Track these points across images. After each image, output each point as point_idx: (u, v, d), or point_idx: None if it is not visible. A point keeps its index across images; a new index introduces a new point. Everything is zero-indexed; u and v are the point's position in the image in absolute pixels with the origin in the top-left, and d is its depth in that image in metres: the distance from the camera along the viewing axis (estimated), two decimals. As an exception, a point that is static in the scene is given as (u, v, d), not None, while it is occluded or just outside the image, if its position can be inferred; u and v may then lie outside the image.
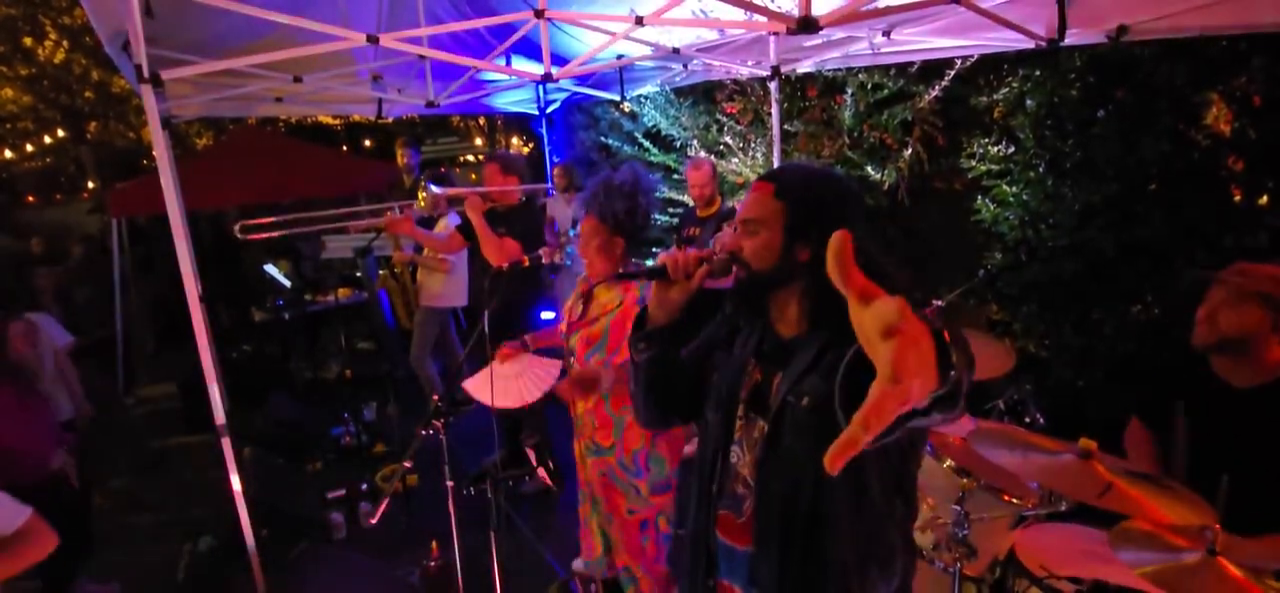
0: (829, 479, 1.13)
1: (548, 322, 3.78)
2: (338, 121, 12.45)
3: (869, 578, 1.21)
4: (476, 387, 2.58)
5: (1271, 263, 1.81)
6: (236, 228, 3.45)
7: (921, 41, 3.36)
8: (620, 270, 2.24)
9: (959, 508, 2.04)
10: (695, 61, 4.25)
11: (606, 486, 2.36)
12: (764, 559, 1.25)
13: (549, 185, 5.57)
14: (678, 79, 4.83)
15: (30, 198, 13.04)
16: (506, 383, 2.55)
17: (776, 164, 4.15)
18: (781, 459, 1.22)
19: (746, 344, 1.35)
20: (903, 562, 1.25)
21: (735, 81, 4.76)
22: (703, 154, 4.96)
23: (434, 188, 3.33)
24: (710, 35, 3.83)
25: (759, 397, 1.30)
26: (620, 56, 4.00)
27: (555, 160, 6.08)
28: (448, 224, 4.31)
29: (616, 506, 2.37)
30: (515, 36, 3.50)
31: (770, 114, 4.19)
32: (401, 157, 5.43)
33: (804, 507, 1.20)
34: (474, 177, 12.56)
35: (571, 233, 3.68)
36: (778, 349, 1.29)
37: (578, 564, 2.91)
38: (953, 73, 3.80)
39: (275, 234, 3.45)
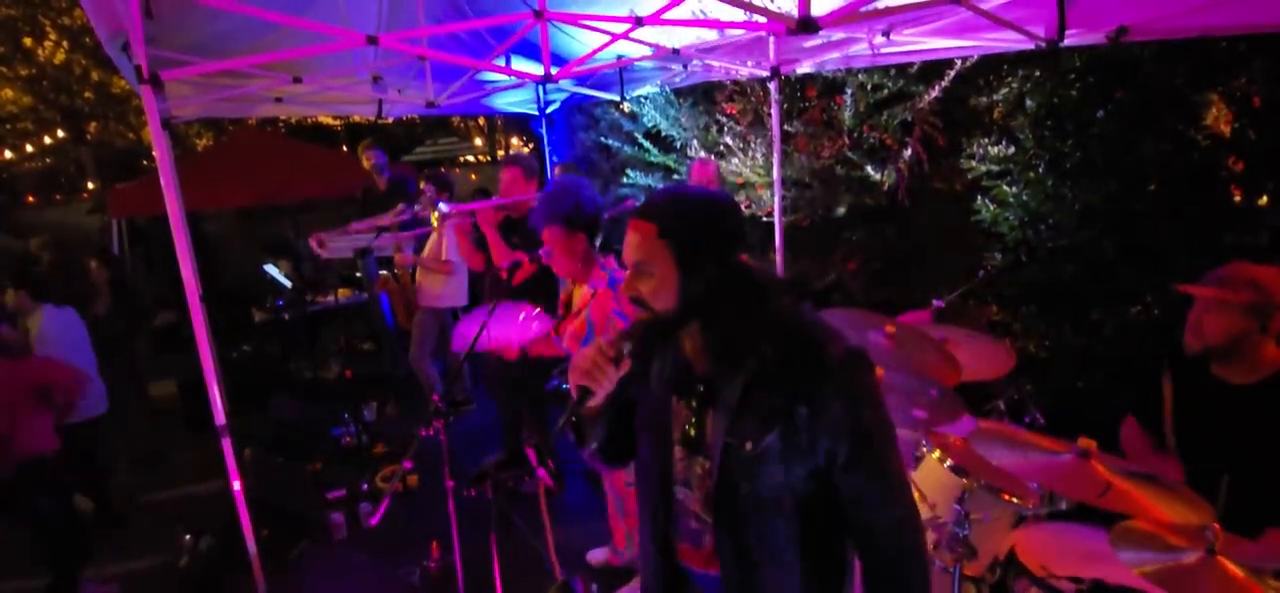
0: (784, 510, 1.20)
1: None
2: (338, 122, 12.47)
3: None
4: (469, 327, 2.67)
5: (1271, 263, 1.81)
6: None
7: (921, 42, 3.36)
8: (591, 263, 2.43)
9: (959, 508, 2.04)
10: (695, 62, 4.25)
11: None
12: (734, 581, 1.26)
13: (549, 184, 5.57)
14: (678, 79, 4.83)
15: (30, 198, 13.04)
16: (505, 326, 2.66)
17: (777, 164, 4.15)
18: (739, 500, 1.21)
19: (661, 374, 1.33)
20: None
21: (735, 82, 4.76)
22: (705, 155, 4.97)
23: (443, 207, 3.32)
24: (710, 36, 3.83)
25: (694, 435, 1.28)
26: (620, 57, 4.00)
27: (555, 160, 6.08)
28: (449, 237, 4.31)
29: (618, 479, 2.60)
30: (515, 37, 3.50)
31: (770, 114, 4.19)
32: (366, 159, 5.42)
33: (767, 538, 1.22)
34: (474, 177, 12.58)
35: None
36: (696, 383, 1.27)
37: (596, 554, 3.03)
38: (953, 73, 3.80)
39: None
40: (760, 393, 1.18)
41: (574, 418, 1.29)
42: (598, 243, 2.49)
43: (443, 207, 3.26)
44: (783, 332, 1.19)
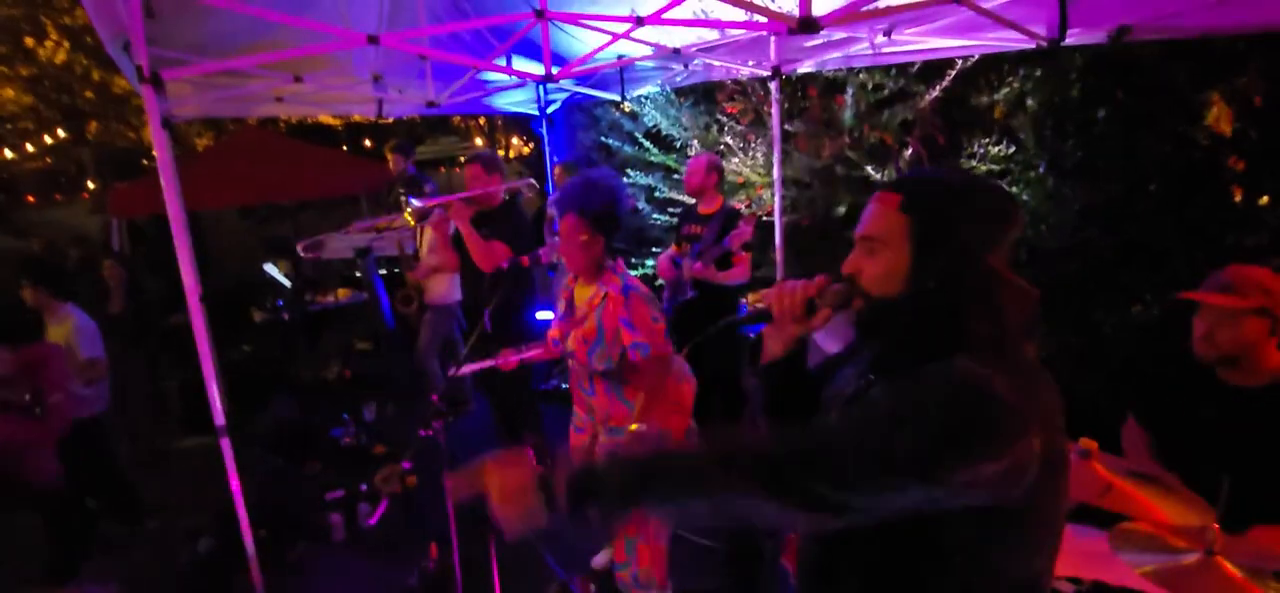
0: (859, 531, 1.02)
1: (544, 323, 3.78)
2: (338, 121, 12.48)
3: None
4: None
5: (1270, 261, 1.81)
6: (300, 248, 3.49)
7: (922, 41, 3.36)
8: (602, 266, 2.33)
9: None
10: (695, 61, 4.24)
11: None
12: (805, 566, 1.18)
13: (550, 184, 5.57)
14: (678, 79, 4.83)
15: (30, 198, 13.05)
16: None
17: (777, 164, 4.15)
18: None
19: (857, 364, 1.20)
20: None
21: (736, 82, 4.76)
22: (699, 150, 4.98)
23: (415, 202, 3.32)
24: (710, 35, 3.83)
25: None
26: (620, 57, 4.00)
27: (556, 160, 6.08)
28: (433, 233, 4.32)
29: None
30: (516, 36, 3.50)
31: (770, 114, 4.19)
32: (394, 164, 5.45)
33: (833, 547, 1.10)
34: (474, 177, 12.59)
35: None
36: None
37: (600, 558, 3.00)
38: (953, 73, 3.80)
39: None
40: (878, 386, 1.07)
41: (741, 331, 1.23)
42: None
43: (414, 202, 3.27)
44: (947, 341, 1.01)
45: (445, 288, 4.71)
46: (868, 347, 1.18)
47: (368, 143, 12.99)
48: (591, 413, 2.49)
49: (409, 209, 3.30)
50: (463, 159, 13.20)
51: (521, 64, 4.41)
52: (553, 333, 2.52)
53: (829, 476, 0.95)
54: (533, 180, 4.37)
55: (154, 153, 2.52)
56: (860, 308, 1.08)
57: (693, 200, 4.01)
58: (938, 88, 3.90)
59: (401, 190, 3.39)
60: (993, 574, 1.03)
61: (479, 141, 13.48)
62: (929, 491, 0.93)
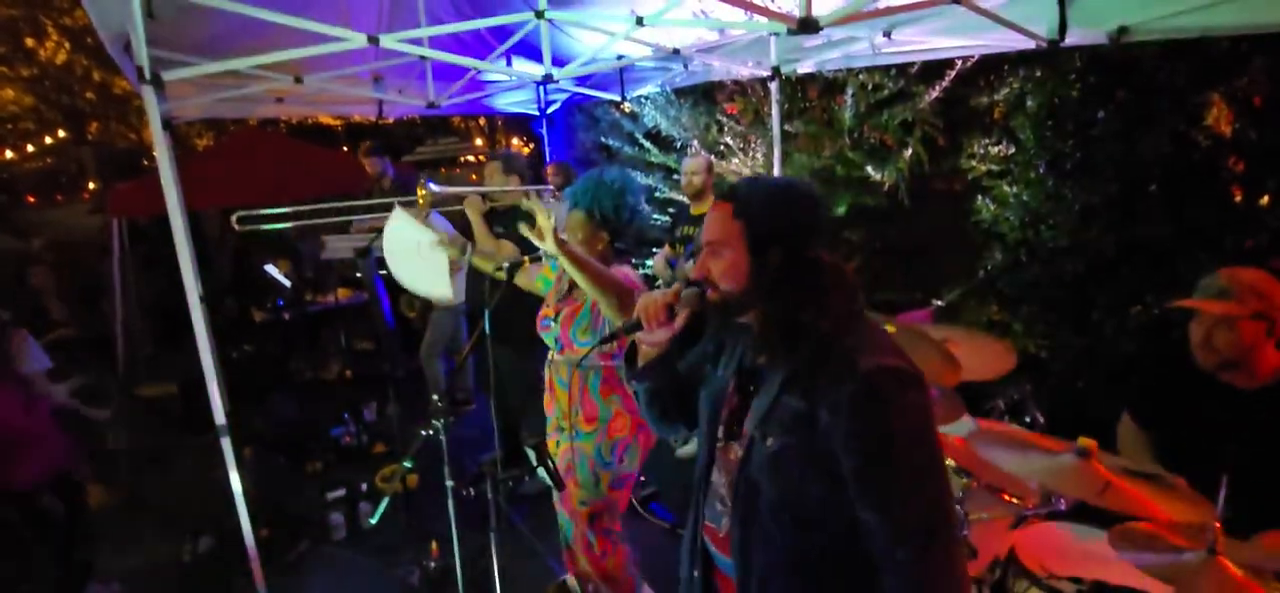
0: (794, 516, 1.19)
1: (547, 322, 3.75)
2: (338, 122, 12.47)
3: None
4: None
5: (1270, 261, 1.81)
6: (233, 219, 3.46)
7: (922, 42, 3.36)
8: (607, 262, 2.32)
9: (959, 508, 2.04)
10: (695, 62, 4.24)
11: (567, 473, 2.39)
12: (741, 570, 1.28)
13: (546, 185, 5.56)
14: (678, 79, 4.83)
15: (31, 198, 13.05)
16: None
17: (777, 164, 4.15)
18: (756, 496, 1.23)
19: (729, 363, 1.36)
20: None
21: (735, 82, 4.76)
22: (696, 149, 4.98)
23: (433, 186, 3.31)
24: (710, 35, 3.83)
25: (735, 422, 1.31)
26: (620, 57, 4.00)
27: (549, 161, 6.07)
28: (434, 225, 4.31)
29: (567, 495, 2.43)
30: (516, 37, 3.50)
31: (770, 114, 4.19)
32: (370, 165, 5.44)
33: (775, 537, 1.22)
34: (474, 177, 12.57)
35: (560, 234, 3.70)
36: (753, 373, 1.30)
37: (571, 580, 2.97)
38: (953, 73, 3.80)
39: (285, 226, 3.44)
40: (792, 393, 1.18)
41: (622, 336, 1.38)
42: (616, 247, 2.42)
43: (431, 186, 3.25)
44: (828, 334, 1.18)
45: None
46: (732, 342, 1.36)
47: (368, 143, 12.98)
48: (560, 411, 2.46)
49: (424, 191, 3.28)
50: (464, 160, 13.19)
51: (521, 64, 4.41)
52: (545, 312, 2.50)
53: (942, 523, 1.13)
54: (551, 186, 4.36)
55: (154, 153, 2.52)
56: (714, 301, 1.25)
57: (688, 201, 4.02)
58: (938, 88, 3.90)
59: (424, 178, 3.35)
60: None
61: (479, 142, 13.47)
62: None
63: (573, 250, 2.12)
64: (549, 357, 2.54)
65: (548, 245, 2.06)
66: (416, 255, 2.57)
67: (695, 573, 1.42)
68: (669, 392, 1.44)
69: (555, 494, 2.50)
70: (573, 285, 2.41)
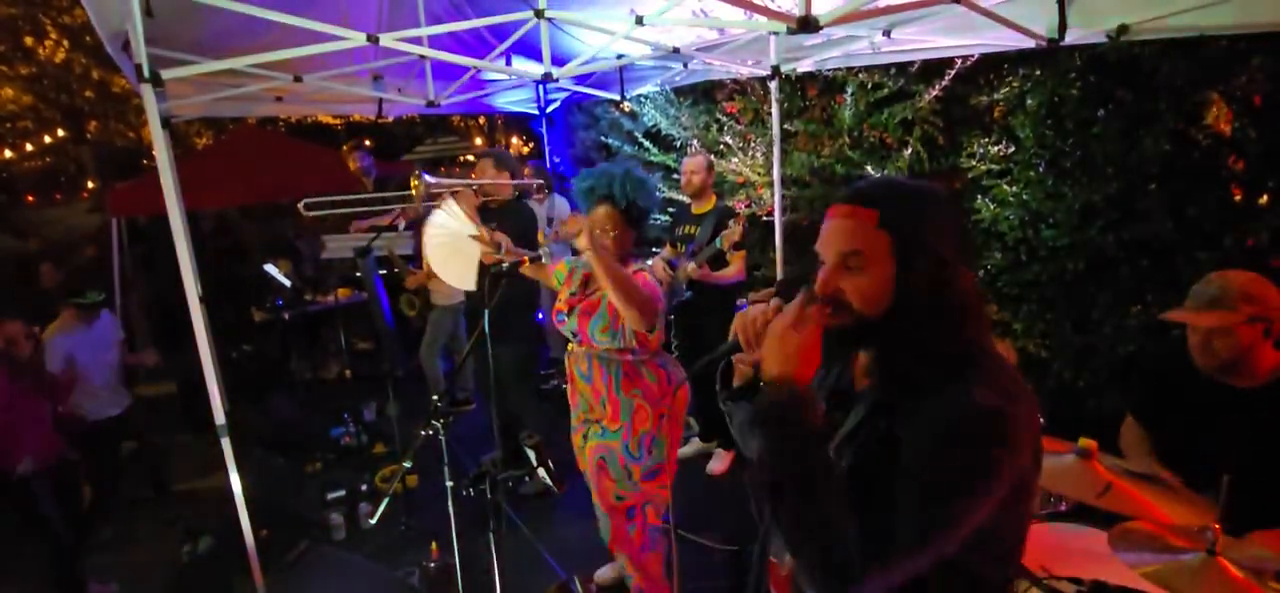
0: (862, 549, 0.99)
1: (545, 322, 3.75)
2: (338, 121, 12.45)
3: None
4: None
5: (1270, 261, 1.81)
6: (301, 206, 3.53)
7: (922, 41, 3.36)
8: (629, 258, 2.35)
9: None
10: (695, 61, 4.24)
11: (600, 470, 2.42)
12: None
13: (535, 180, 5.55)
14: (678, 79, 4.83)
15: (30, 198, 13.03)
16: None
17: (777, 163, 4.15)
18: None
19: (823, 382, 1.21)
20: None
21: (735, 81, 4.76)
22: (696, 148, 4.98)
23: (427, 177, 3.31)
24: (710, 35, 3.83)
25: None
26: (620, 56, 4.00)
27: (533, 165, 6.06)
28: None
29: (605, 490, 2.44)
30: (515, 36, 3.50)
31: (770, 114, 4.19)
32: (352, 162, 5.46)
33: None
34: (472, 176, 12.57)
35: (546, 232, 3.74)
36: (846, 394, 1.16)
37: (604, 572, 2.99)
38: (953, 72, 3.79)
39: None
40: (882, 415, 1.05)
41: (718, 366, 1.23)
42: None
43: (426, 177, 3.25)
44: (954, 364, 1.01)
45: (449, 287, 4.70)
46: (844, 368, 1.18)
47: (368, 143, 12.97)
48: (585, 404, 2.47)
49: (417, 181, 3.28)
50: (463, 159, 13.18)
51: (521, 64, 4.41)
52: (560, 306, 2.50)
53: (916, 557, 0.95)
54: (541, 180, 4.36)
55: (154, 153, 2.51)
56: (844, 325, 1.05)
57: (688, 200, 4.01)
58: (937, 87, 3.89)
59: (418, 170, 3.36)
60: (998, 546, 1.03)
61: (479, 141, 13.45)
62: (986, 510, 0.95)
63: (607, 259, 2.12)
64: (568, 348, 2.53)
65: (582, 243, 2.07)
66: (455, 245, 2.62)
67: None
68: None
69: (593, 489, 2.51)
70: (588, 280, 2.41)
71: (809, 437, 1.00)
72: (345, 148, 5.58)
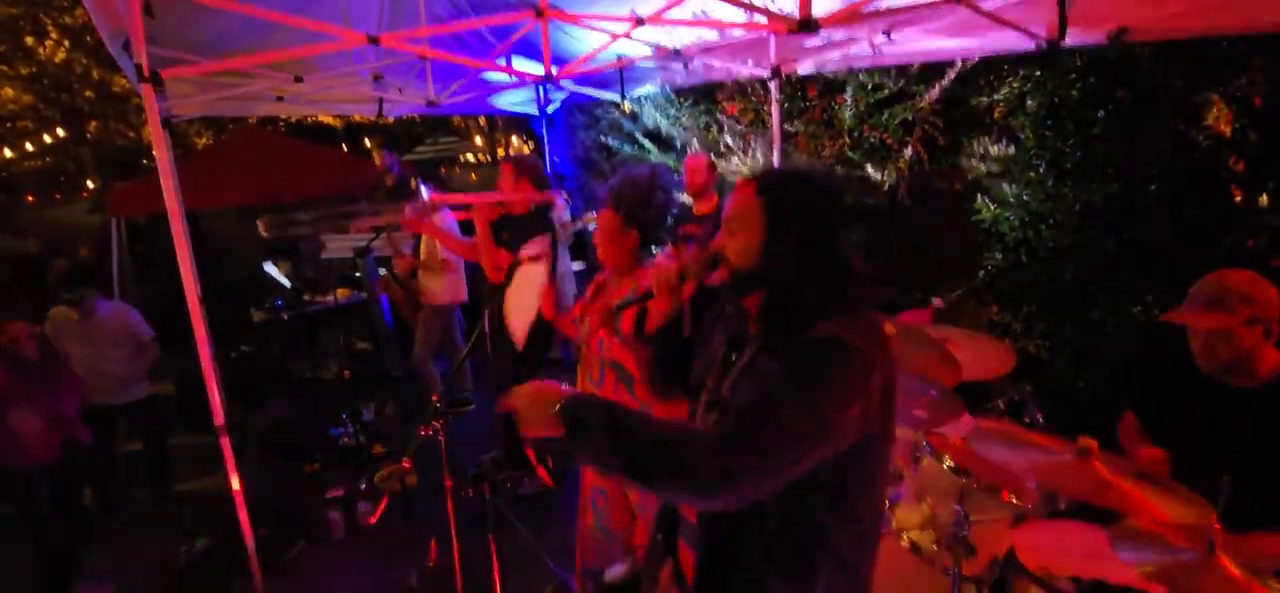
0: None
1: None
2: (338, 121, 12.46)
3: (769, 586, 1.21)
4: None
5: (1270, 261, 1.82)
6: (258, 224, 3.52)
7: (922, 42, 3.36)
8: (638, 261, 2.36)
9: (959, 508, 2.04)
10: (695, 62, 4.25)
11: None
12: (702, 533, 1.31)
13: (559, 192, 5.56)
14: (678, 79, 4.83)
15: (30, 197, 13.02)
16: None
17: (777, 164, 4.16)
18: None
19: (724, 337, 1.39)
20: (826, 578, 1.20)
21: (735, 82, 4.76)
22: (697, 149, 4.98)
23: (425, 191, 3.31)
24: (710, 35, 3.83)
25: (718, 392, 1.33)
26: (620, 57, 4.00)
27: (548, 161, 6.08)
28: (442, 221, 4.30)
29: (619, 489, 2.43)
30: (516, 36, 3.51)
31: (770, 114, 4.19)
32: (380, 159, 5.46)
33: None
34: (474, 177, 12.57)
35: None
36: (740, 340, 1.33)
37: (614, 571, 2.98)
38: (953, 73, 3.79)
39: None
40: (762, 356, 1.22)
41: (634, 304, 1.48)
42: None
43: (424, 188, 3.25)
44: (823, 322, 1.17)
45: (439, 286, 4.70)
46: (730, 316, 1.38)
47: (368, 143, 12.96)
48: None
49: (421, 199, 3.28)
50: (463, 158, 13.19)
51: (521, 64, 4.42)
52: (573, 313, 2.49)
53: (754, 454, 1.07)
54: (565, 195, 4.33)
55: (154, 152, 2.52)
56: (725, 277, 1.28)
57: (689, 200, 4.01)
58: (937, 88, 3.89)
59: (417, 179, 3.35)
60: (848, 509, 1.19)
61: (478, 141, 13.48)
62: (827, 443, 1.10)
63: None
64: (582, 354, 2.52)
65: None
66: (529, 293, 2.68)
67: (659, 536, 1.45)
68: (672, 360, 1.50)
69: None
70: (603, 285, 2.41)
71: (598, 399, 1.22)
72: (376, 140, 5.60)
